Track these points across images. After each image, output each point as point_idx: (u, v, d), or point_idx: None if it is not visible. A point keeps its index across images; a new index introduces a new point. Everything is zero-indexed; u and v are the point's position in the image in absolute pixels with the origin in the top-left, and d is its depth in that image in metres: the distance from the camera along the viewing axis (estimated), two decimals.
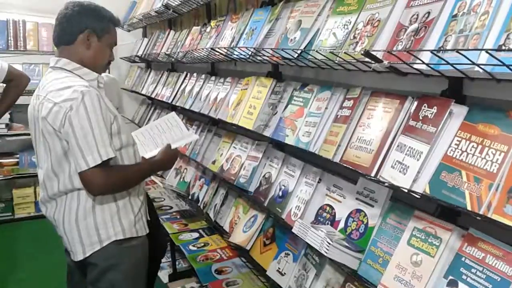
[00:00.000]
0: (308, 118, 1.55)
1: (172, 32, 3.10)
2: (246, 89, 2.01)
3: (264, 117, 1.79)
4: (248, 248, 1.99)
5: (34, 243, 3.46)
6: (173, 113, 1.91)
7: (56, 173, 1.58)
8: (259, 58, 1.74)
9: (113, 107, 1.64)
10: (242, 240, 2.04)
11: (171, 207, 3.20)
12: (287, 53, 1.51)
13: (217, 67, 2.73)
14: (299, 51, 1.46)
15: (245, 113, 1.92)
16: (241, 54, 1.83)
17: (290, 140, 1.59)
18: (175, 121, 1.91)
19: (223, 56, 2.02)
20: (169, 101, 2.93)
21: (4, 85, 2.36)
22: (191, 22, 3.09)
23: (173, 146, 1.83)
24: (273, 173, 1.87)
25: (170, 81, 3.14)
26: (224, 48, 1.95)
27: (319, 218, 1.54)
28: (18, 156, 3.84)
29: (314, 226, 1.44)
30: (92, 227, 1.59)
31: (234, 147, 2.25)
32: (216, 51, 1.99)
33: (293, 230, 1.47)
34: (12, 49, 3.74)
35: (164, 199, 3.35)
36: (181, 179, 2.96)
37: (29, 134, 3.50)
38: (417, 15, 1.16)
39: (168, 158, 1.80)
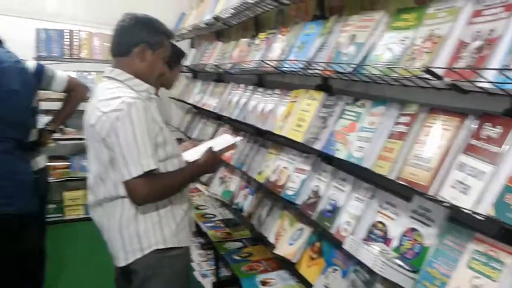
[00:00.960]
0: (361, 133, 1.53)
1: (220, 43, 3.16)
2: (295, 101, 2.02)
3: (314, 130, 1.79)
4: (294, 261, 1.98)
5: (82, 244, 3.58)
6: (226, 134, 1.93)
7: (102, 179, 1.63)
8: (310, 71, 1.74)
9: (160, 118, 1.69)
10: (288, 252, 2.04)
11: (215, 215, 3.24)
12: (341, 67, 1.50)
13: (264, 79, 2.75)
14: (354, 66, 1.45)
15: (294, 125, 1.93)
16: (291, 67, 1.84)
17: (341, 155, 1.58)
18: (225, 140, 1.92)
19: (272, 68, 2.03)
20: (216, 111, 2.97)
21: (65, 94, 2.46)
22: (239, 34, 3.13)
23: (215, 149, 1.85)
24: (322, 186, 1.86)
25: (216, 91, 3.19)
26: (274, 60, 1.97)
27: (371, 235, 1.52)
28: (69, 159, 4.01)
29: (366, 243, 1.42)
30: (134, 235, 1.63)
31: (281, 158, 2.26)
32: (266, 63, 2.00)
33: (344, 246, 1.46)
34: (67, 57, 3.91)
35: (208, 207, 3.40)
36: (226, 188, 2.99)
37: (80, 139, 3.65)
38: (480, 32, 1.13)
39: (211, 161, 1.81)
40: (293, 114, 1.97)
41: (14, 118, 1.85)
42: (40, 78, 2.18)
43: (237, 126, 2.96)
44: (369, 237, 1.53)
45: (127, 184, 1.54)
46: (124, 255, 1.66)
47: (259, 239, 2.76)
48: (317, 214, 1.81)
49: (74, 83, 2.39)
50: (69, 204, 3.96)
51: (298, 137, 1.83)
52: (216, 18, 2.71)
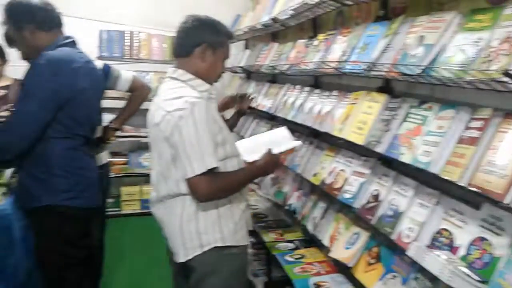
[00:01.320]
0: (427, 137, 1.49)
1: (276, 44, 3.17)
2: (355, 103, 1.99)
3: (375, 133, 1.75)
4: (351, 265, 1.96)
5: (138, 238, 3.71)
6: (284, 127, 1.92)
7: (165, 176, 1.69)
8: (374, 73, 1.71)
9: (220, 118, 1.72)
10: (344, 256, 2.01)
11: (266, 216, 3.25)
12: (408, 69, 1.47)
13: (320, 80, 2.73)
14: (422, 67, 1.41)
15: (354, 128, 1.90)
16: (353, 68, 1.82)
17: (406, 159, 1.54)
18: (283, 135, 1.92)
19: (332, 70, 2.01)
20: (270, 112, 2.98)
21: (128, 93, 2.55)
22: (295, 35, 3.12)
23: (275, 151, 1.85)
24: (382, 191, 1.82)
25: (271, 92, 3.20)
26: (335, 61, 1.95)
27: (435, 242, 1.47)
28: (127, 156, 4.15)
29: (431, 250, 1.38)
30: (194, 231, 1.68)
31: (338, 161, 2.23)
32: (326, 65, 1.99)
33: (408, 253, 1.42)
34: (127, 57, 4.06)
35: (260, 207, 3.41)
36: (278, 189, 3.00)
37: (138, 137, 3.76)
38: None
39: (270, 163, 1.83)
40: (353, 116, 1.94)
41: (83, 117, 1.94)
42: (106, 77, 2.28)
43: (291, 127, 2.95)
44: (433, 245, 1.48)
45: (189, 181, 1.59)
46: (184, 251, 1.70)
47: (312, 242, 2.74)
48: (377, 219, 1.77)
49: (138, 83, 2.48)
50: (125, 199, 4.10)
51: (359, 140, 1.80)
52: (274, 19, 2.72)
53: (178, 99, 1.60)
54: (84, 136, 1.97)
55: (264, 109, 3.13)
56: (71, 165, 1.91)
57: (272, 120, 3.34)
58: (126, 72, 2.47)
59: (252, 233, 3.24)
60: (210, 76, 1.76)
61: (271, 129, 3.27)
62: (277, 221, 3.16)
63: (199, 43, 1.69)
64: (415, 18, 1.65)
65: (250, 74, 4.13)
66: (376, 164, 1.95)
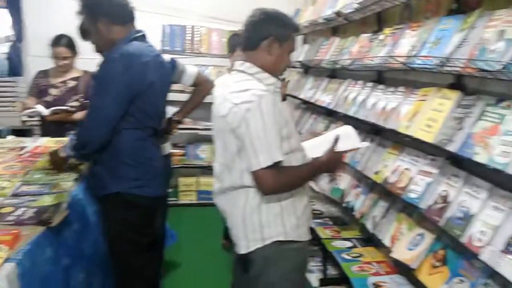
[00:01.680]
0: (505, 136, 1.41)
1: (337, 39, 3.12)
2: (424, 100, 1.92)
3: (447, 131, 1.69)
4: (414, 267, 1.90)
5: (194, 227, 3.81)
6: (350, 127, 1.88)
7: (229, 168, 1.70)
8: (447, 68, 1.64)
9: (286, 112, 1.71)
10: (407, 257, 1.95)
11: (322, 212, 3.23)
12: (488, 64, 1.40)
13: (384, 76, 2.66)
14: (503, 63, 1.34)
15: (422, 125, 1.84)
16: (424, 64, 1.75)
17: (481, 159, 1.47)
18: (348, 134, 1.87)
19: (399, 65, 1.96)
20: (330, 107, 2.94)
21: (191, 88, 2.61)
22: (357, 29, 3.06)
23: (339, 149, 1.81)
24: (451, 192, 1.75)
25: (330, 88, 3.15)
26: (404, 56, 1.89)
27: (510, 247, 1.40)
28: (185, 148, 4.27)
29: (507, 255, 1.31)
30: (257, 224, 1.67)
31: (402, 159, 2.17)
32: (395, 59, 1.93)
33: (481, 257, 1.36)
34: (187, 51, 4.14)
35: (315, 203, 3.39)
36: (336, 185, 2.96)
37: (196, 129, 3.83)
38: None
39: (332, 160, 1.79)
40: (422, 114, 1.87)
41: (152, 109, 2.00)
42: (172, 71, 2.34)
43: (351, 123, 2.89)
44: (508, 250, 1.40)
45: (255, 173, 1.58)
46: (246, 243, 1.70)
47: (369, 240, 2.69)
48: (445, 221, 1.70)
49: (201, 78, 2.52)
50: (183, 189, 4.22)
51: (428, 138, 1.74)
52: (338, 13, 2.68)
53: (245, 92, 1.60)
54: (152, 127, 2.03)
55: (323, 105, 3.09)
56: (140, 155, 1.97)
57: (330, 115, 3.30)
58: (190, 67, 2.52)
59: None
60: (276, 69, 1.75)
61: (329, 125, 3.23)
62: (333, 218, 3.12)
63: (266, 36, 1.68)
64: (493, 12, 1.57)
65: (308, 69, 4.10)
66: (445, 163, 1.88)
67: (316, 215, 3.17)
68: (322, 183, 3.03)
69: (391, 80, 2.55)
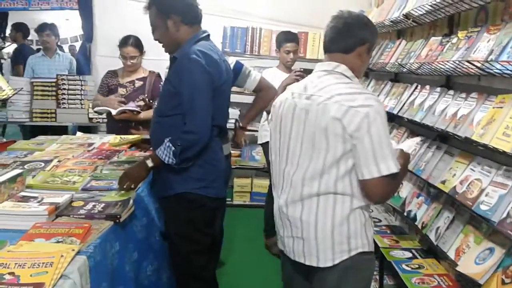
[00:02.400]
0: None
1: (403, 41, 3.02)
2: (500, 107, 1.81)
3: None
4: (481, 282, 1.79)
5: (248, 228, 3.83)
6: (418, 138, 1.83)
7: (321, 173, 1.56)
8: None
9: None
10: (474, 272, 1.85)
11: (380, 220, 3.14)
12: None
13: (453, 81, 2.54)
14: None
15: (499, 133, 1.73)
16: (505, 69, 1.65)
17: None
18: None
19: (476, 70, 1.86)
20: (393, 112, 2.85)
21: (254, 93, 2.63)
22: (424, 32, 2.95)
23: (409, 151, 1.78)
24: None
25: (394, 92, 3.06)
26: (482, 61, 1.79)
27: None
28: (241, 149, 4.29)
29: None
30: (345, 235, 1.58)
31: (472, 169, 2.06)
32: (472, 64, 1.83)
33: None
34: (248, 53, 4.17)
35: (372, 210, 3.30)
36: (396, 194, 2.86)
37: (252, 131, 3.84)
38: None
39: (407, 162, 1.77)
40: (498, 121, 1.77)
41: (221, 107, 2.02)
42: (237, 74, 2.35)
43: (415, 129, 2.81)
44: None
45: (371, 181, 1.51)
46: (332, 255, 1.60)
47: (430, 252, 2.59)
48: None
49: (264, 84, 2.52)
50: (237, 190, 4.25)
51: (506, 147, 1.64)
52: (407, 16, 2.59)
53: (359, 95, 1.53)
54: (219, 126, 2.05)
55: (386, 109, 2.99)
56: (207, 155, 2.00)
57: (393, 120, 3.21)
58: (255, 72, 2.53)
59: None
60: (359, 75, 1.72)
61: (391, 130, 3.14)
62: (392, 227, 3.03)
63: (363, 42, 1.64)
64: None
65: (368, 72, 4.01)
66: None
67: (374, 223, 3.08)
68: None
69: (462, 85, 2.43)
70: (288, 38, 3.47)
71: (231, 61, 2.35)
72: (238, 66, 2.37)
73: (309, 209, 1.60)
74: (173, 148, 1.89)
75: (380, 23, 3.10)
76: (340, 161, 1.53)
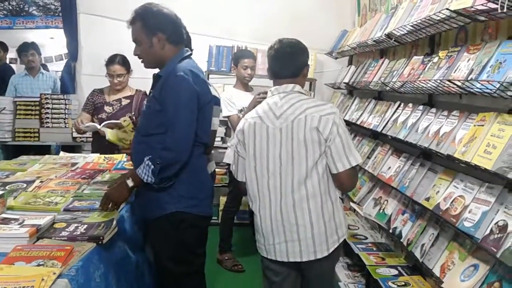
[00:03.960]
0: None
1: (386, 60, 3.07)
2: (481, 125, 1.85)
3: (507, 158, 1.61)
4: None
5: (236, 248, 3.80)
6: None
7: (305, 177, 1.85)
8: (510, 93, 1.57)
9: None
10: None
11: (366, 237, 3.14)
12: None
13: (435, 99, 2.58)
14: None
15: (480, 151, 1.76)
16: (484, 88, 1.69)
17: None
18: None
19: (457, 89, 1.90)
20: (377, 130, 2.88)
21: None
22: (406, 51, 3.01)
23: None
24: (510, 222, 1.66)
25: (378, 109, 3.10)
26: (462, 80, 1.83)
27: None
28: (226, 167, 4.25)
29: None
30: (334, 228, 1.90)
31: (455, 186, 2.08)
32: (452, 83, 1.87)
33: None
34: (233, 72, 4.18)
35: (358, 227, 3.31)
36: (381, 210, 2.88)
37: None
38: None
39: None
40: (479, 139, 1.80)
41: (207, 124, 2.02)
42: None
43: (398, 147, 2.84)
44: None
45: (343, 173, 1.84)
46: (327, 246, 1.89)
47: (416, 269, 2.60)
48: (503, 252, 1.61)
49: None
50: (223, 208, 4.19)
51: (487, 165, 1.66)
52: (389, 35, 2.64)
53: (323, 105, 1.88)
54: (205, 143, 2.04)
55: (370, 127, 3.04)
56: (196, 172, 1.98)
57: (376, 138, 3.24)
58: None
59: (349, 254, 3.16)
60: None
61: (374, 147, 3.17)
62: (377, 244, 3.04)
63: (305, 65, 2.00)
64: None
65: (352, 90, 4.06)
66: (503, 192, 1.79)
67: (359, 240, 3.09)
68: (368, 208, 2.96)
69: (444, 103, 2.48)
70: (245, 55, 3.60)
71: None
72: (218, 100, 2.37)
73: (302, 214, 1.86)
74: (152, 167, 1.85)
75: (363, 42, 3.16)
76: (318, 163, 1.84)
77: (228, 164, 3.68)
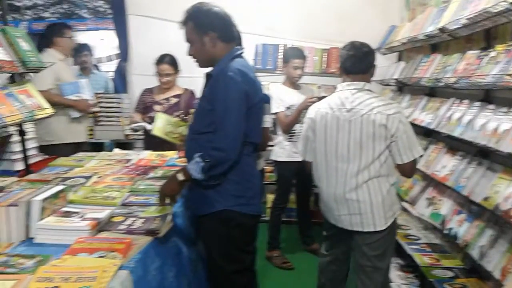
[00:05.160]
0: None
1: (439, 56, 2.97)
2: None
3: None
4: None
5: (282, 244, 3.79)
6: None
7: (370, 164, 2.14)
8: None
9: None
10: None
11: (419, 238, 3.06)
12: None
13: (493, 95, 2.47)
14: None
15: None
16: None
17: None
18: None
19: None
20: (430, 127, 2.79)
21: None
22: (460, 46, 2.89)
23: None
24: None
25: (431, 106, 3.00)
26: None
27: None
28: (274, 164, 4.26)
29: None
30: (389, 204, 2.19)
31: None
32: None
33: None
34: (279, 70, 4.19)
35: (411, 228, 3.22)
36: (435, 210, 2.79)
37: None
38: None
39: None
40: None
41: (257, 124, 2.02)
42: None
43: (453, 145, 2.74)
44: None
45: (407, 164, 2.15)
46: (385, 220, 2.19)
47: (473, 271, 2.50)
48: None
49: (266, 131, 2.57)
50: (270, 205, 4.19)
51: None
52: (442, 29, 2.55)
53: (390, 105, 2.15)
54: (254, 142, 2.04)
55: (422, 124, 2.95)
56: (246, 171, 1.99)
57: (429, 136, 3.14)
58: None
59: (402, 254, 3.08)
60: None
61: (427, 146, 3.07)
62: (431, 244, 2.94)
63: (373, 65, 2.29)
64: None
65: (402, 86, 3.96)
66: None
67: (412, 240, 3.01)
68: (421, 207, 2.87)
69: (502, 99, 2.37)
70: (296, 54, 3.51)
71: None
72: (268, 98, 2.38)
73: (363, 193, 2.17)
74: (201, 164, 1.86)
75: (414, 37, 3.07)
76: (382, 153, 2.13)
77: (275, 161, 3.67)
